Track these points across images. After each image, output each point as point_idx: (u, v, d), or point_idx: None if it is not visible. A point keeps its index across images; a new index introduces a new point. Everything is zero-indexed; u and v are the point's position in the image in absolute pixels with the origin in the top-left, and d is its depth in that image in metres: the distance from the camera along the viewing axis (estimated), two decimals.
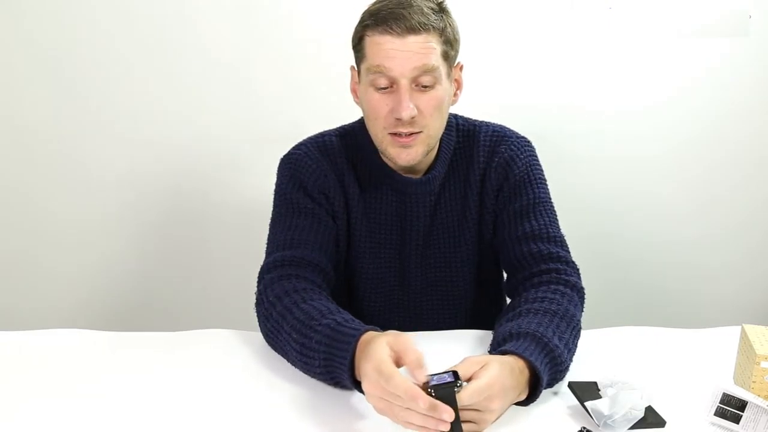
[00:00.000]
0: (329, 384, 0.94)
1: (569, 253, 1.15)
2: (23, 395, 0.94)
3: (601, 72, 1.78)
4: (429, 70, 1.04)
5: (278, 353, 1.03)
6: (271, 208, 1.20)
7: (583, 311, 1.08)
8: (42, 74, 1.72)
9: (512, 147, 1.19)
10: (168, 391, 0.95)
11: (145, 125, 1.77)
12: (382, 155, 1.15)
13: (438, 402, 0.78)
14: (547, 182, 1.22)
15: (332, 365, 0.91)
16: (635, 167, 1.86)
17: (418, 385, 0.79)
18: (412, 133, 1.07)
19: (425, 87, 1.05)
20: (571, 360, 0.98)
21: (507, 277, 1.19)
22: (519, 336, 0.94)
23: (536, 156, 1.22)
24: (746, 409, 0.86)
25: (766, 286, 1.96)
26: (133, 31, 1.70)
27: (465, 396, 0.81)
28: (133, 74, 1.73)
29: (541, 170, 1.22)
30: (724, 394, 0.87)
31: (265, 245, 1.16)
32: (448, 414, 0.77)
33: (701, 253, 1.93)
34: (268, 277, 1.08)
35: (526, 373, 0.89)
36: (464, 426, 0.81)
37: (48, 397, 0.93)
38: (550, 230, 1.15)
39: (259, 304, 1.07)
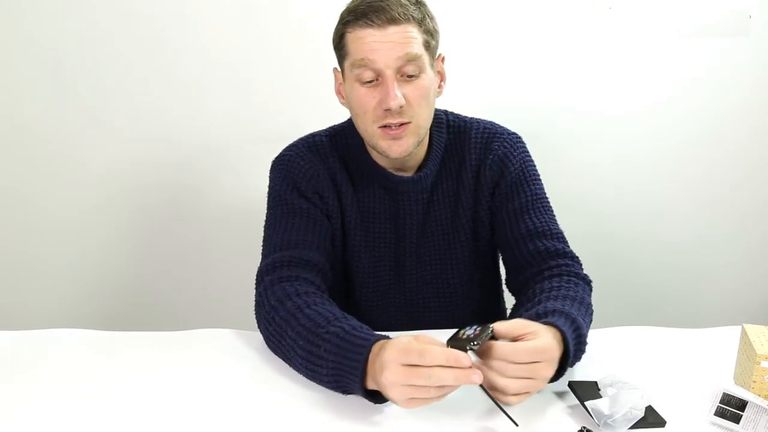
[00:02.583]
0: (336, 391, 0.93)
1: (570, 247, 1.15)
2: (23, 395, 0.94)
3: (601, 72, 1.78)
4: (412, 59, 1.05)
5: (279, 357, 1.02)
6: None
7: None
8: (42, 74, 1.72)
9: (505, 144, 1.20)
10: (168, 391, 0.95)
11: (145, 125, 1.77)
12: (374, 151, 1.15)
13: (451, 351, 0.79)
14: (546, 181, 1.22)
15: (341, 374, 0.89)
16: (635, 167, 1.86)
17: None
18: (401, 124, 1.07)
19: (410, 77, 1.06)
20: (587, 343, 0.98)
21: (511, 275, 1.19)
22: (547, 314, 0.94)
23: (528, 152, 1.23)
24: (746, 408, 0.86)
25: (766, 286, 1.95)
26: (133, 31, 1.70)
27: (520, 353, 0.82)
28: (133, 74, 1.73)
29: (535, 166, 1.22)
30: (724, 393, 0.87)
31: (261, 247, 1.16)
32: (465, 358, 0.79)
33: (701, 253, 1.93)
34: (267, 278, 1.07)
35: (561, 347, 0.89)
36: (519, 384, 0.82)
37: (48, 397, 0.93)
38: (552, 227, 1.16)
39: (260, 307, 1.06)
